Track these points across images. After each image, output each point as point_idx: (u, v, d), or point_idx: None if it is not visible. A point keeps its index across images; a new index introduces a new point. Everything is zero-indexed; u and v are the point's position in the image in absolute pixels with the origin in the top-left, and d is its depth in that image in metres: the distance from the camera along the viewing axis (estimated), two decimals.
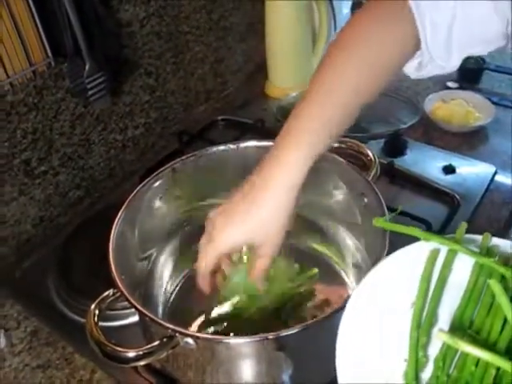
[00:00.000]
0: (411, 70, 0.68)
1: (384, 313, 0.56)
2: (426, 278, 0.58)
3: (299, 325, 0.58)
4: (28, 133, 0.96)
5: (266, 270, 0.71)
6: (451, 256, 0.60)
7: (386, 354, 0.54)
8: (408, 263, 0.60)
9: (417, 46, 0.65)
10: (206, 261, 0.70)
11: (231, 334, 0.70)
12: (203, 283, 0.72)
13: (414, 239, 0.70)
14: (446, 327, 0.55)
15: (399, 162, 1.06)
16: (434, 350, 0.53)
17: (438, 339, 0.53)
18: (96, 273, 0.72)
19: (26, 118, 0.94)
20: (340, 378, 0.52)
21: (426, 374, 0.52)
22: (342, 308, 0.58)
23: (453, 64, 0.66)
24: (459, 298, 0.57)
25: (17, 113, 0.92)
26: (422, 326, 0.54)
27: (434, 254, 0.60)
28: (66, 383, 0.78)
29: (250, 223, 0.67)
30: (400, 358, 0.53)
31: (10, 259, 0.99)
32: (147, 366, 0.74)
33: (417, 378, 0.51)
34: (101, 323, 0.78)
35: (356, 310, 0.57)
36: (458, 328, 0.54)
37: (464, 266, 0.59)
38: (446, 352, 0.52)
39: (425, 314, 0.56)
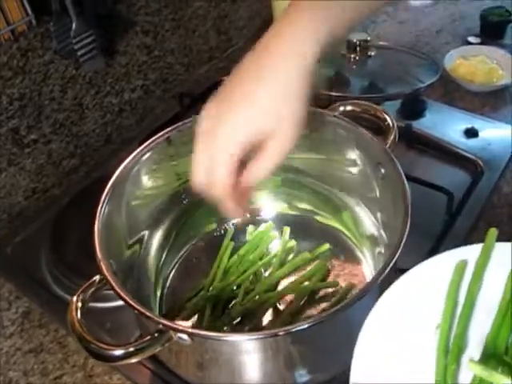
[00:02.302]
0: None
1: (408, 329, 0.49)
2: (453, 294, 0.50)
3: (308, 320, 0.51)
4: (14, 99, 0.90)
5: (271, 169, 0.56)
6: (481, 268, 0.52)
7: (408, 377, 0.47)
8: (431, 278, 0.52)
9: None
10: (219, 172, 0.54)
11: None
12: (229, 206, 0.57)
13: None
14: (478, 353, 0.48)
15: (417, 125, 1.00)
16: (464, 376, 0.47)
17: (469, 370, 0.45)
18: (91, 250, 0.66)
19: (12, 83, 0.88)
20: None
21: None
22: (354, 300, 0.53)
23: None
24: (491, 319, 0.49)
25: (1, 77, 0.86)
26: (451, 352, 0.47)
27: (461, 267, 0.52)
28: (60, 368, 0.74)
29: (259, 103, 0.52)
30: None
31: (1, 234, 0.94)
32: None
33: None
34: (95, 304, 0.75)
35: (377, 323, 0.50)
36: (492, 355, 0.46)
37: (496, 280, 0.52)
38: None
39: (452, 336, 0.48)
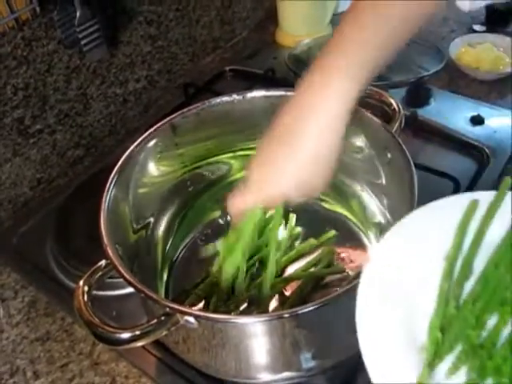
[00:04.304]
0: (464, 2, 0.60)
1: (411, 268, 0.50)
2: (463, 227, 0.51)
3: (315, 302, 0.51)
4: (19, 89, 0.89)
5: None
6: (493, 210, 0.52)
7: (413, 313, 0.47)
8: (441, 217, 0.53)
9: None
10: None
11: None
12: None
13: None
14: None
15: (423, 113, 0.99)
16: None
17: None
18: (97, 238, 0.66)
19: (16, 73, 0.88)
20: (362, 344, 0.45)
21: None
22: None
23: None
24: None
25: (5, 67, 0.86)
26: (456, 277, 0.48)
27: (473, 206, 0.53)
28: (66, 356, 0.74)
29: (295, 165, 0.59)
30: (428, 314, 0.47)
31: (6, 224, 0.94)
32: None
33: (443, 329, 0.46)
34: (100, 292, 0.75)
35: (378, 265, 0.50)
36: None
37: (504, 224, 0.52)
38: None
39: (459, 265, 0.50)
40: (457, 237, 0.51)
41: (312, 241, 0.76)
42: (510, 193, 0.54)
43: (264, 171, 0.62)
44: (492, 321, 0.47)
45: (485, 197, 0.54)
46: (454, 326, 0.47)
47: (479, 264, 0.50)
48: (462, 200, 0.54)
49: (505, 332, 0.45)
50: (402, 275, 0.50)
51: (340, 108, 0.58)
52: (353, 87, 0.58)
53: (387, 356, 0.45)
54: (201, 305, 0.70)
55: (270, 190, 0.62)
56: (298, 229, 0.78)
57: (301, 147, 0.59)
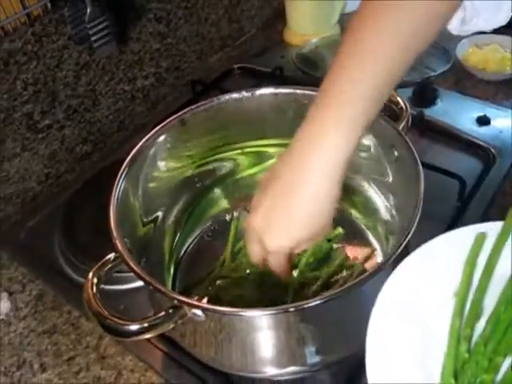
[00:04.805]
0: (454, 25, 0.60)
1: (423, 302, 0.50)
2: (471, 262, 0.51)
3: (321, 296, 0.52)
4: (29, 84, 0.90)
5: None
6: (501, 242, 0.52)
7: (420, 348, 0.47)
8: (449, 251, 0.53)
9: None
10: (273, 263, 0.64)
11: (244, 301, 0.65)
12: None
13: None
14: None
15: (429, 113, 1.00)
16: None
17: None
18: (104, 233, 0.67)
19: (26, 68, 0.88)
20: (370, 374, 0.45)
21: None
22: (367, 278, 0.52)
23: (501, 19, 0.58)
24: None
25: (16, 62, 0.86)
26: (466, 316, 0.48)
27: (480, 240, 0.53)
28: (73, 349, 0.75)
29: (292, 225, 0.60)
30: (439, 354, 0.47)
31: (14, 218, 0.95)
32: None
33: (456, 374, 0.45)
34: (108, 286, 0.76)
35: (391, 297, 0.50)
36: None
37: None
38: None
39: (469, 303, 0.49)
40: (465, 271, 0.51)
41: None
42: None
43: (265, 223, 0.61)
44: (506, 362, 0.46)
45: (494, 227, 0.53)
46: (467, 370, 0.46)
47: (490, 298, 0.50)
48: (470, 232, 0.54)
49: None
50: (418, 297, 0.50)
51: (336, 163, 0.57)
52: (352, 137, 0.56)
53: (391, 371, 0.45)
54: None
55: (272, 243, 0.62)
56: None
57: (299, 205, 0.59)
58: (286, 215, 0.59)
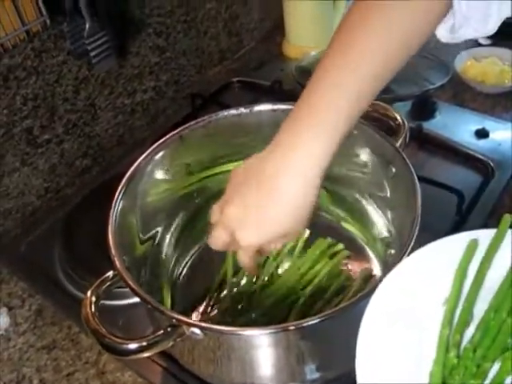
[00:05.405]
0: (443, 32, 0.60)
1: (413, 309, 0.50)
2: (462, 270, 0.51)
3: (320, 314, 0.52)
4: (28, 99, 0.90)
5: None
6: (493, 250, 0.52)
7: (412, 354, 0.47)
8: (442, 257, 0.53)
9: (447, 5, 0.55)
10: (240, 257, 0.65)
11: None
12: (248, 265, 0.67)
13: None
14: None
15: (428, 126, 1.00)
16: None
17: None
18: (103, 247, 0.67)
19: (26, 84, 0.89)
20: (359, 377, 0.46)
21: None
22: (366, 295, 0.52)
23: (489, 28, 0.58)
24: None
25: (15, 78, 0.87)
26: (456, 324, 0.48)
27: (472, 246, 0.53)
28: (72, 365, 0.75)
29: (267, 224, 0.60)
30: (429, 361, 0.47)
31: (14, 233, 0.95)
32: None
33: (445, 381, 0.45)
34: (108, 302, 0.76)
35: (382, 304, 0.50)
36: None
37: (503, 266, 0.52)
38: None
39: (459, 310, 0.49)
40: (456, 279, 0.51)
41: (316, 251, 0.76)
42: (510, 231, 0.53)
43: (239, 216, 0.61)
44: (494, 368, 0.46)
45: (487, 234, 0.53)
46: (455, 376, 0.46)
47: (480, 306, 0.50)
48: (463, 239, 0.54)
49: (508, 380, 0.45)
50: (410, 303, 0.50)
51: (314, 168, 0.57)
52: (331, 139, 0.56)
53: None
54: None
55: (243, 238, 0.61)
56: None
57: (273, 206, 0.59)
58: (262, 214, 0.59)
